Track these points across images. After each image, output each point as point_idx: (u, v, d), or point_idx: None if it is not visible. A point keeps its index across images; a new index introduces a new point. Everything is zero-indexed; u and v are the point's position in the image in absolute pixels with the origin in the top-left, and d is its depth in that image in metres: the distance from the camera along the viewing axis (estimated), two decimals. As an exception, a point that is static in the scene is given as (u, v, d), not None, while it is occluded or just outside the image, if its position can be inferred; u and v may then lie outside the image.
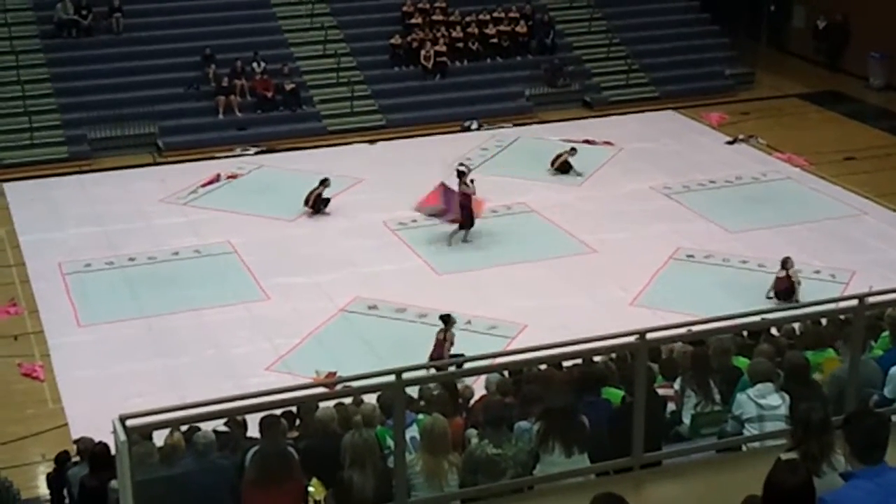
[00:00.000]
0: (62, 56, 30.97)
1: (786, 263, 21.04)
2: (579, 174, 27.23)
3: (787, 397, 9.18)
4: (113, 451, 9.07)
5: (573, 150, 27.60)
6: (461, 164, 24.32)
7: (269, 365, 19.10)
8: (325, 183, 25.09)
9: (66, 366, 19.26)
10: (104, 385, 18.22)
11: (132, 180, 27.21)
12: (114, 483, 10.11)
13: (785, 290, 20.87)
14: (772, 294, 20.99)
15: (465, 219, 23.36)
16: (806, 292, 20.82)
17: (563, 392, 9.63)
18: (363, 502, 8.57)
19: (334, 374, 17.69)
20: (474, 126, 30.81)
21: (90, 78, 30.46)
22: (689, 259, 23.04)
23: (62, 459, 13.73)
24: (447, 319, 18.83)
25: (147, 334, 20.20)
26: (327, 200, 25.09)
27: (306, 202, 25.01)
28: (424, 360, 18.59)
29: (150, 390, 17.43)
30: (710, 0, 36.81)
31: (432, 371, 11.60)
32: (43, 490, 15.13)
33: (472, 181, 23.39)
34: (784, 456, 6.61)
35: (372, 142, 29.94)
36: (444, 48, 32.81)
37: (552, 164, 27.41)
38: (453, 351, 18.39)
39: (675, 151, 29.04)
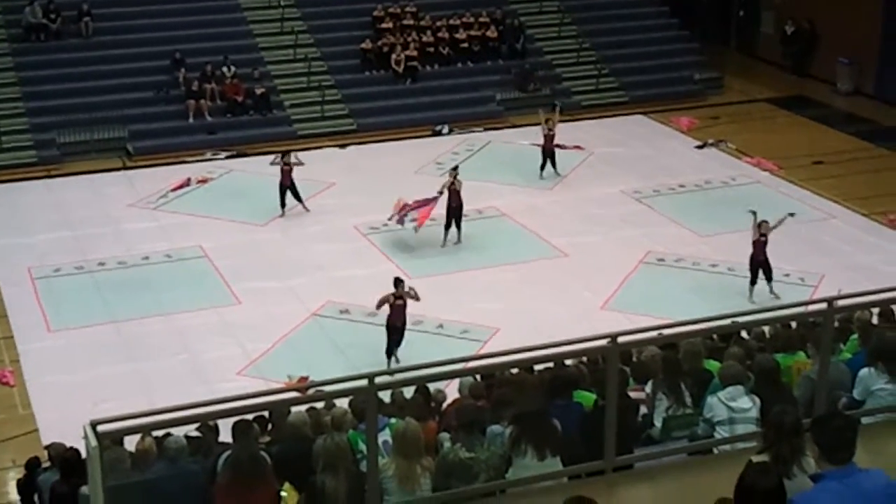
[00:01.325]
0: (30, 60, 30.81)
1: (761, 226, 21.20)
2: (560, 174, 27.41)
3: (757, 400, 9.23)
4: (84, 457, 9.04)
5: (554, 105, 27.71)
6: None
7: (240, 369, 19.07)
8: (285, 157, 25.18)
9: (36, 371, 19.16)
10: (75, 390, 18.15)
11: (102, 185, 27.10)
12: (85, 489, 10.07)
13: (763, 259, 21.10)
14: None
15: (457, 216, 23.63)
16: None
17: (535, 396, 9.65)
18: (336, 507, 8.56)
19: (306, 378, 17.68)
20: (445, 130, 30.85)
21: (59, 82, 30.31)
22: (659, 263, 23.14)
23: (33, 465, 13.66)
24: (397, 282, 19.20)
25: (118, 339, 20.12)
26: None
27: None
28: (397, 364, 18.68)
29: (121, 395, 17.34)
30: (679, 5, 36.98)
31: (405, 375, 11.59)
32: (13, 496, 15.01)
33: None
34: (755, 458, 6.65)
35: (343, 146, 29.91)
36: (414, 53, 32.84)
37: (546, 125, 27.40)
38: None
39: (645, 156, 29.16)
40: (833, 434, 6.20)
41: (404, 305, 19.08)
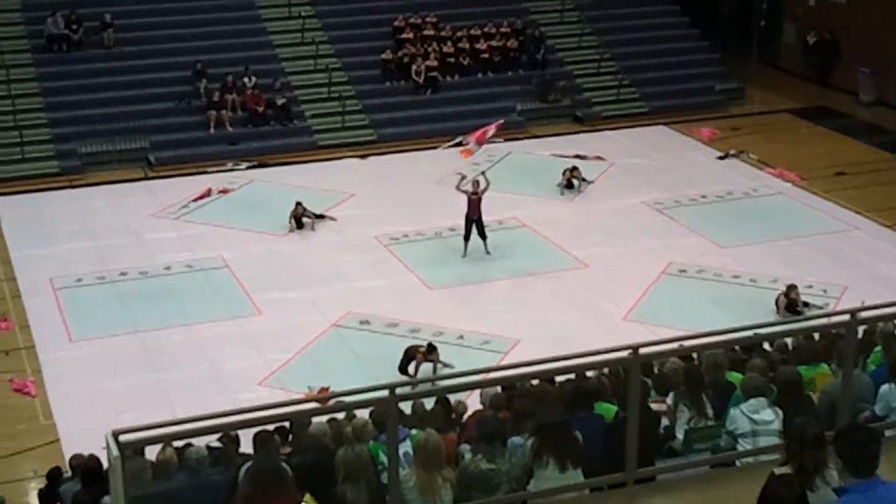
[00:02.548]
0: (53, 70, 30.97)
1: (790, 292, 20.95)
2: (590, 181, 27.37)
3: (780, 412, 9.19)
4: (105, 467, 9.05)
5: (575, 168, 27.52)
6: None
7: (261, 380, 19.08)
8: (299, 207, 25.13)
9: (57, 381, 19.21)
10: (96, 400, 18.18)
11: (123, 195, 27.18)
12: (106, 499, 10.10)
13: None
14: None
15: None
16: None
17: (557, 407, 9.63)
18: (357, 518, 8.56)
19: (327, 389, 17.69)
20: (466, 141, 30.79)
21: (81, 92, 30.45)
22: (680, 274, 23.06)
23: (54, 475, 13.69)
24: (431, 348, 19.02)
25: (139, 349, 20.16)
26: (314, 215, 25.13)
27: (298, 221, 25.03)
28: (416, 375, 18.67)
29: (142, 405, 17.38)
30: (700, 16, 36.93)
31: (425, 386, 11.59)
32: (34, 506, 15.11)
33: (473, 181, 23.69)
34: (777, 470, 6.63)
35: (363, 156, 29.95)
36: (435, 63, 32.88)
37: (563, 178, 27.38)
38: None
39: (666, 166, 29.09)
40: (856, 447, 6.17)
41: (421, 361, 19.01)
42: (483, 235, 23.54)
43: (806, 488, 6.45)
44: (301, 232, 24.93)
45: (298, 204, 25.06)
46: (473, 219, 23.41)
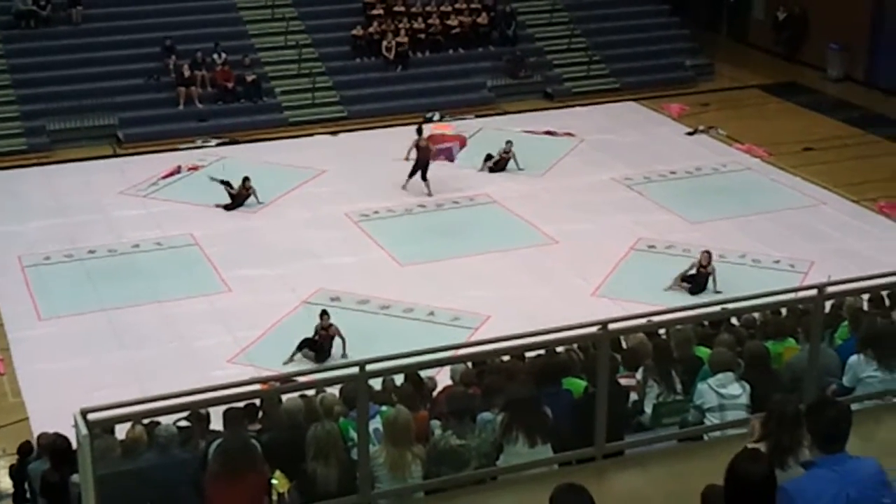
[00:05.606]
0: (20, 47, 30.70)
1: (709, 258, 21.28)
2: (521, 168, 27.15)
3: (747, 386, 9.26)
4: (74, 445, 9.03)
5: (508, 142, 27.28)
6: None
7: (231, 357, 19.05)
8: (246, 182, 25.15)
9: (26, 359, 19.12)
10: (65, 379, 18.10)
11: (92, 172, 27.01)
12: (75, 477, 10.07)
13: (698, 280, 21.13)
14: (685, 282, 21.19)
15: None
16: (766, 282, 20.96)
17: (526, 383, 9.66)
18: (327, 495, 8.56)
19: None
20: (436, 117, 30.78)
21: (49, 69, 30.19)
22: (650, 249, 23.14)
23: (26, 450, 13.61)
24: (323, 313, 19.23)
25: (109, 327, 20.08)
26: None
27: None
28: (387, 351, 18.63)
29: (112, 383, 17.30)
30: (670, -8, 36.96)
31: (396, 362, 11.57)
32: (3, 484, 15.04)
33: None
34: (751, 445, 6.67)
35: (334, 133, 29.87)
36: (405, 39, 32.77)
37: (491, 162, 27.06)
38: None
39: (635, 142, 29.13)
40: (828, 424, 6.21)
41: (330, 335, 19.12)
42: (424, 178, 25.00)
43: (779, 466, 6.47)
44: (271, 208, 24.85)
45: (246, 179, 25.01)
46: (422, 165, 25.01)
